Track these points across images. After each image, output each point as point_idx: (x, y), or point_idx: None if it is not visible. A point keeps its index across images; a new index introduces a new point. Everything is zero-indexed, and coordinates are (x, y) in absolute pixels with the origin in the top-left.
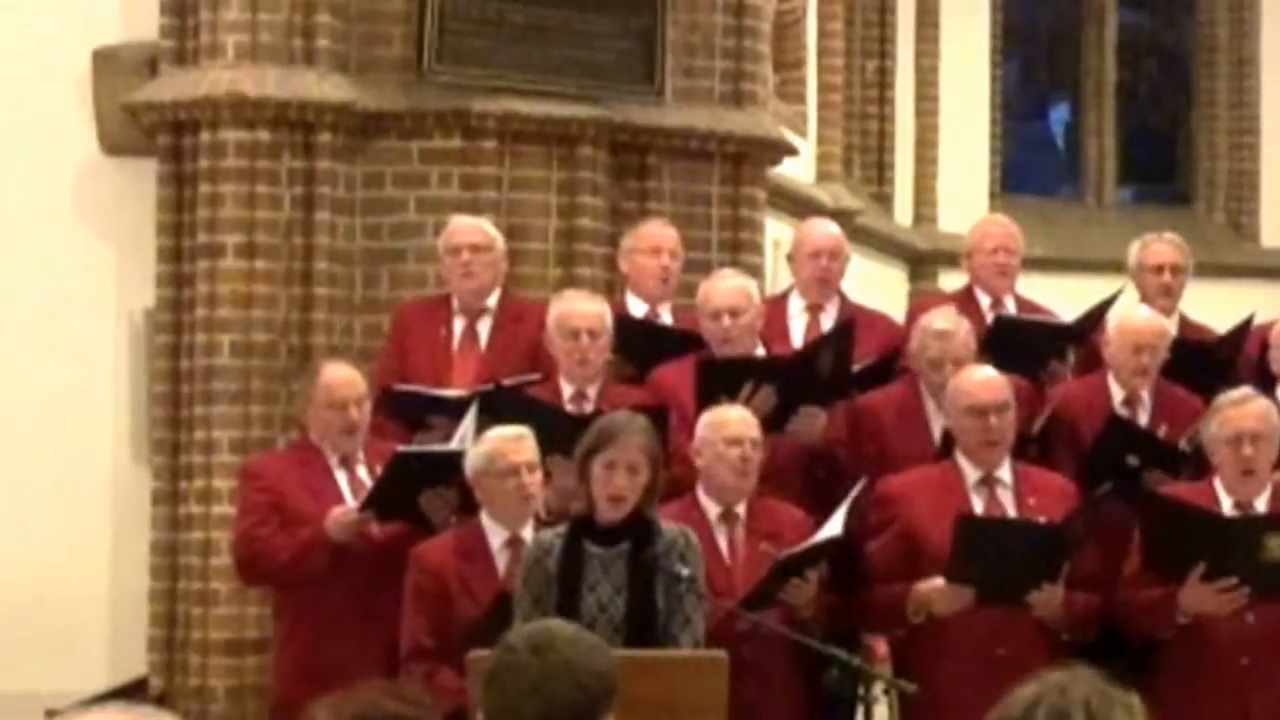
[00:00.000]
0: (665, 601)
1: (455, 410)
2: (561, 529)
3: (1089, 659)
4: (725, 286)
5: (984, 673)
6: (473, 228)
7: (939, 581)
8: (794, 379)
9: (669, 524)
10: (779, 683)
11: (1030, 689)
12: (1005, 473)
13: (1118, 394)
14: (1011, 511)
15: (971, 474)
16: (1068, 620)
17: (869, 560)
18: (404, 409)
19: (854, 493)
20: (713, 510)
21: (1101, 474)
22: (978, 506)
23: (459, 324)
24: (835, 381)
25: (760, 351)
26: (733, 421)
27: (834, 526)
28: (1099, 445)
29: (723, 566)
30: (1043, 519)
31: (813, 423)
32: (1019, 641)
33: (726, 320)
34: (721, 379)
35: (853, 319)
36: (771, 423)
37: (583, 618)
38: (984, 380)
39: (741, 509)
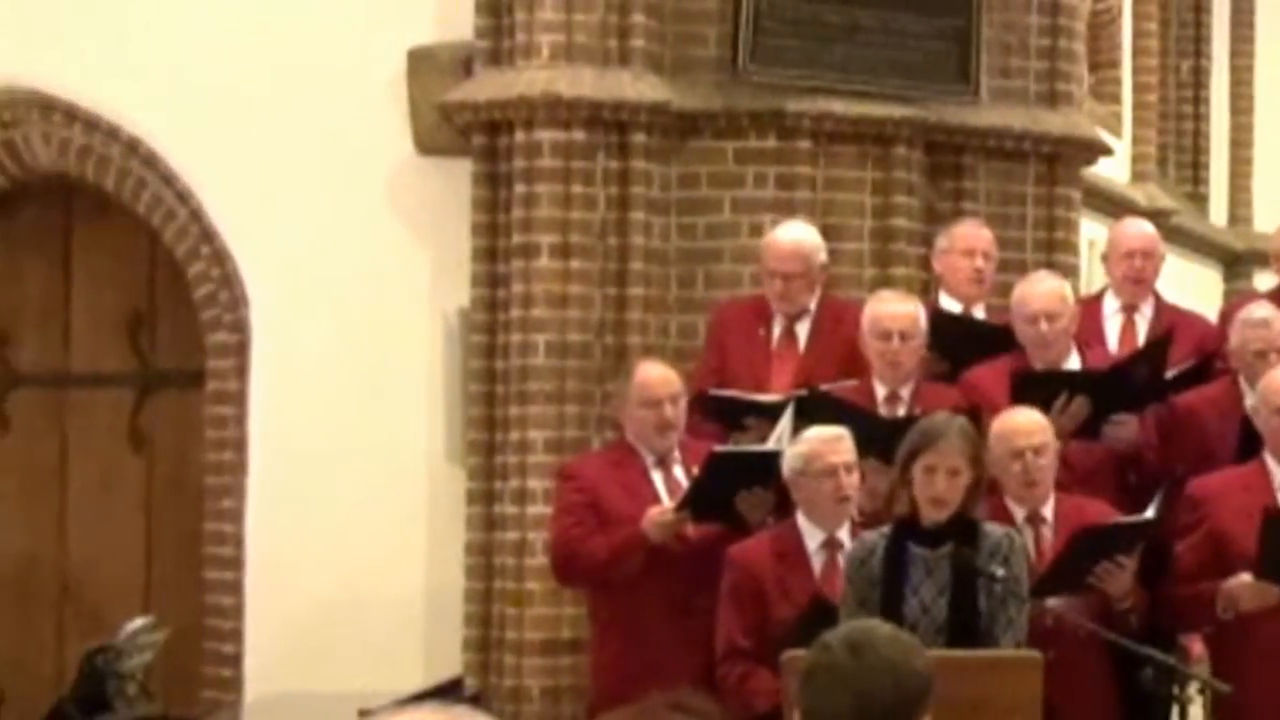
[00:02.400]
0: (988, 603)
1: (771, 414)
2: (885, 530)
3: None
4: (1042, 290)
5: None
6: (792, 252)
7: (1247, 577)
8: (1108, 389)
9: (994, 525)
10: (1088, 683)
11: None
12: None
13: None
14: None
15: None
16: None
17: (1177, 560)
18: (720, 410)
19: (1167, 485)
20: (1019, 513)
21: None
22: None
23: (778, 325)
24: (1149, 390)
25: (1075, 354)
26: (1019, 433)
27: (1146, 514)
28: None
29: (1031, 568)
30: None
31: (1125, 430)
32: None
33: (1044, 325)
34: (1036, 390)
35: (1170, 332)
36: (1085, 429)
37: (905, 619)
38: None
39: (1048, 510)
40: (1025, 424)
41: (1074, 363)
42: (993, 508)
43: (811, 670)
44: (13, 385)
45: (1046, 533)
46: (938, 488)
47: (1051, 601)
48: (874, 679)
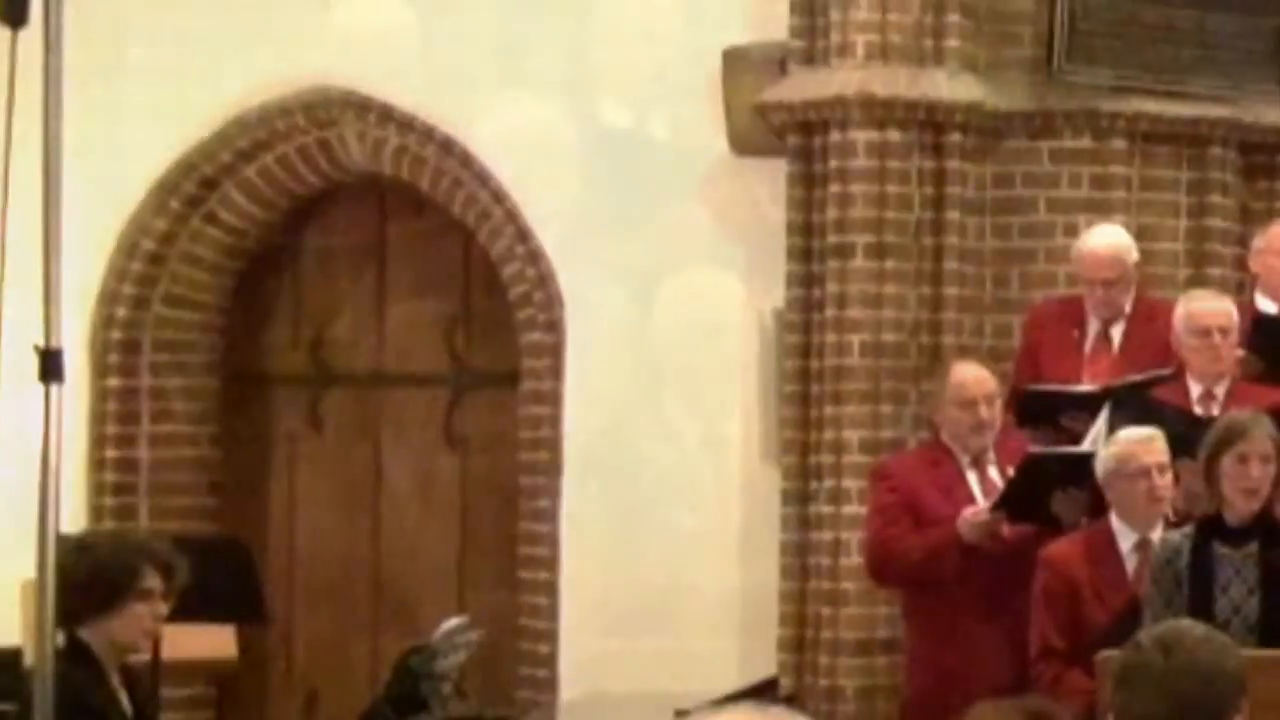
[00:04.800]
0: None
1: (1087, 406)
2: (1188, 529)
3: None
4: None
5: None
6: (1109, 259)
7: None
8: None
9: None
10: None
11: None
12: None
13: None
14: None
15: None
16: None
17: None
18: (1036, 409)
19: None
20: None
21: None
22: None
23: (1093, 326)
24: None
25: None
26: None
27: None
28: None
29: None
30: None
31: None
32: None
33: None
34: None
35: None
36: None
37: (1216, 619)
38: None
39: None
40: None
41: None
42: None
43: (1124, 671)
44: (328, 385)
45: None
46: (1252, 476)
47: None
48: (1185, 680)
